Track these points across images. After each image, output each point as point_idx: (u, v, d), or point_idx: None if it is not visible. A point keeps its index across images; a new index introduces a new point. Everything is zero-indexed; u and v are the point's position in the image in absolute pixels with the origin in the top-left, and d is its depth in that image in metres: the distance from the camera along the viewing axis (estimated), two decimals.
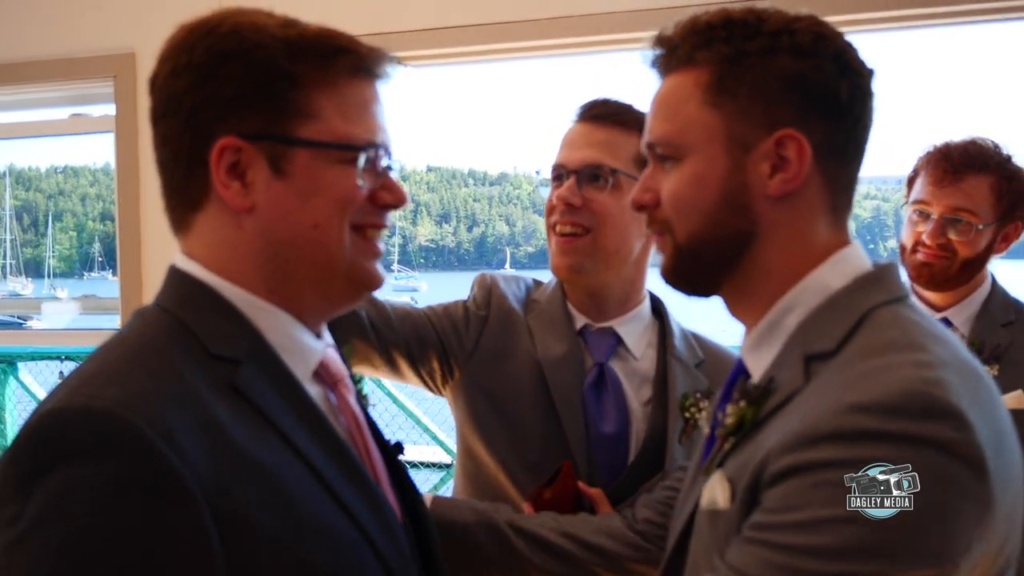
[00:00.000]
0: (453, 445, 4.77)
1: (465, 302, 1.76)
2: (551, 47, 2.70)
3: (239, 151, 0.96)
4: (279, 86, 0.96)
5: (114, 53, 3.03)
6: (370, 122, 1.02)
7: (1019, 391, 1.97)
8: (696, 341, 1.74)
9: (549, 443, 1.60)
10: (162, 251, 2.89)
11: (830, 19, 2.62)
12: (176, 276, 1.01)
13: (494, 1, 2.71)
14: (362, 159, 1.00)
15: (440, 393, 1.74)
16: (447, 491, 4.79)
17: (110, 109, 3.11)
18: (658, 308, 1.75)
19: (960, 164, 2.00)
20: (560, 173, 1.66)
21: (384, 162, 1.03)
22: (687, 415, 1.62)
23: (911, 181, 2.12)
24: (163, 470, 0.82)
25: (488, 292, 1.75)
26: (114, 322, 3.36)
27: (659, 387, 1.65)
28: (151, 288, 1.05)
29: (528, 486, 1.59)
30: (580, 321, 1.69)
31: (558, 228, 1.64)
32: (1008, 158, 2.03)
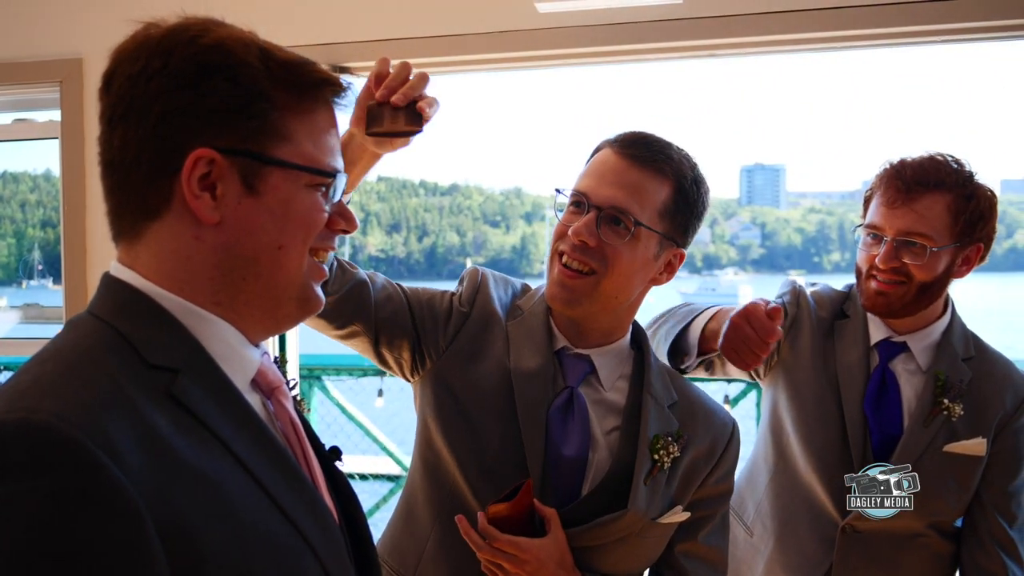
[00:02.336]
0: (403, 457, 4.79)
1: (452, 294, 1.74)
2: (503, 60, 2.72)
3: (212, 163, 0.95)
4: (261, 106, 0.97)
5: (61, 58, 2.98)
6: (335, 150, 1.04)
7: (981, 439, 1.96)
8: (672, 380, 1.72)
9: (506, 452, 1.60)
10: (108, 260, 2.83)
11: (782, 36, 2.65)
12: (111, 284, 1.00)
13: (447, 14, 2.72)
14: (332, 187, 1.03)
15: (406, 379, 1.73)
16: (395, 503, 4.77)
17: (55, 115, 3.05)
18: (639, 341, 1.73)
19: (913, 183, 1.90)
20: (581, 201, 1.61)
21: (341, 190, 1.05)
22: (655, 457, 1.61)
23: (867, 200, 2.01)
24: (105, 483, 0.80)
25: (475, 290, 1.73)
26: (56, 332, 3.29)
27: (629, 421, 1.64)
28: None
29: (481, 487, 1.60)
30: (560, 341, 1.67)
31: (564, 259, 1.60)
32: (970, 175, 1.93)
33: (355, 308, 1.63)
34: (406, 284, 1.74)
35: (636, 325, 1.74)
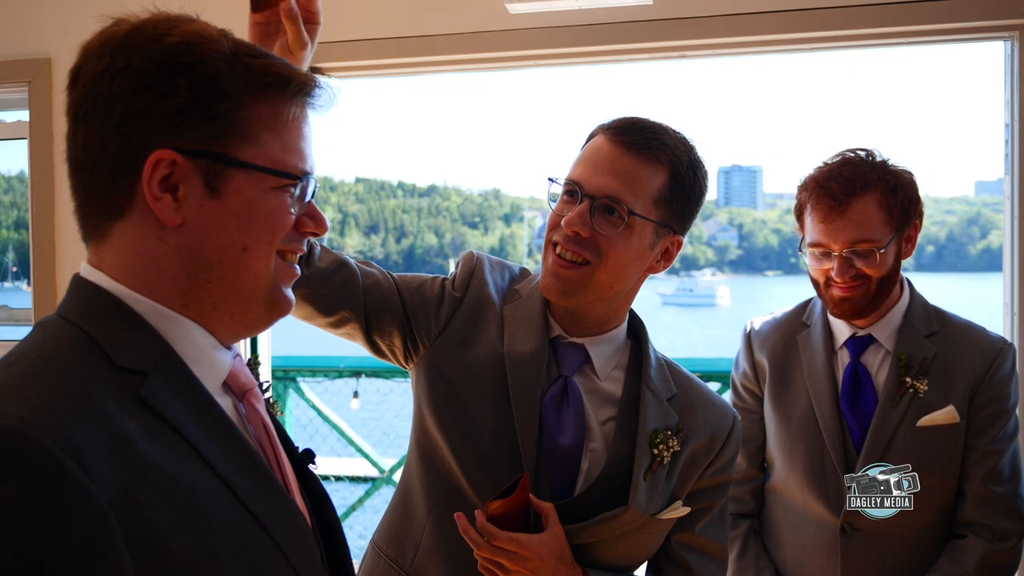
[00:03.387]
0: (379, 459, 4.77)
1: (444, 279, 1.71)
2: (474, 61, 2.72)
3: (173, 164, 0.94)
4: (223, 106, 0.96)
5: (29, 58, 2.95)
6: (303, 151, 1.03)
7: (950, 408, 1.99)
8: (671, 372, 1.69)
9: (500, 438, 1.58)
10: (77, 261, 2.80)
11: (758, 37, 2.66)
12: (81, 286, 0.99)
13: (418, 14, 2.72)
14: (296, 189, 1.01)
15: (403, 366, 1.71)
16: (371, 505, 4.75)
17: (24, 115, 3.03)
18: (636, 332, 1.71)
19: (841, 194, 1.94)
20: (574, 190, 1.57)
21: (311, 191, 1.04)
22: (655, 451, 1.58)
23: (799, 214, 2.07)
24: (71, 488, 0.79)
25: (469, 274, 1.70)
26: (26, 334, 3.24)
27: (625, 412, 1.62)
28: None
29: (476, 475, 1.58)
30: (555, 330, 1.65)
31: (558, 249, 1.57)
32: (884, 163, 1.99)
33: (340, 292, 1.61)
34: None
35: (633, 315, 1.72)
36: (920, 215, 2.04)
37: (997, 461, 1.99)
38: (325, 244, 1.65)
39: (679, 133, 1.61)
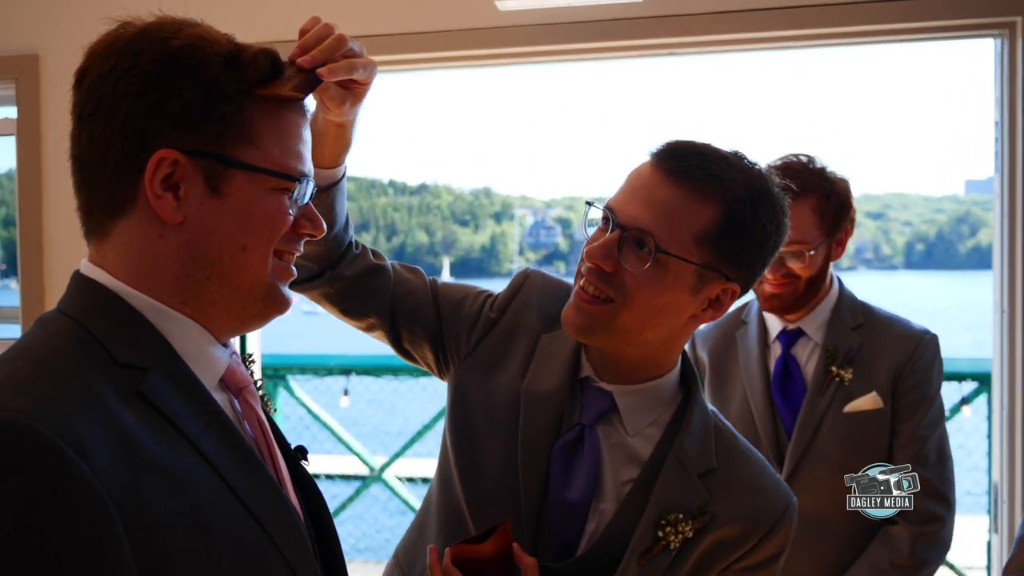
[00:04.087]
0: (369, 457, 4.75)
1: (488, 296, 1.59)
2: (464, 58, 2.73)
3: (175, 164, 0.97)
4: (225, 109, 0.98)
5: (16, 55, 2.94)
6: (302, 154, 1.06)
7: (873, 393, 2.10)
8: (718, 442, 1.45)
9: (506, 479, 1.44)
10: (65, 258, 2.79)
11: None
12: (81, 283, 1.01)
13: (408, 11, 2.73)
14: (295, 191, 1.03)
15: (439, 377, 1.62)
16: (361, 504, 4.74)
17: (11, 112, 3.02)
18: (689, 384, 1.50)
19: None
20: (608, 217, 1.39)
21: (309, 194, 1.06)
22: (660, 534, 1.37)
23: None
24: (75, 481, 0.81)
25: (513, 294, 1.56)
26: (14, 331, 3.23)
27: (646, 478, 1.42)
28: (53, 296, 1.03)
29: (478, 510, 1.46)
30: (585, 369, 1.47)
31: (583, 282, 1.39)
32: (822, 170, 2.08)
33: (368, 298, 1.55)
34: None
35: (687, 366, 1.51)
36: (852, 221, 2.15)
37: (923, 446, 2.09)
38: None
39: (746, 163, 1.39)
